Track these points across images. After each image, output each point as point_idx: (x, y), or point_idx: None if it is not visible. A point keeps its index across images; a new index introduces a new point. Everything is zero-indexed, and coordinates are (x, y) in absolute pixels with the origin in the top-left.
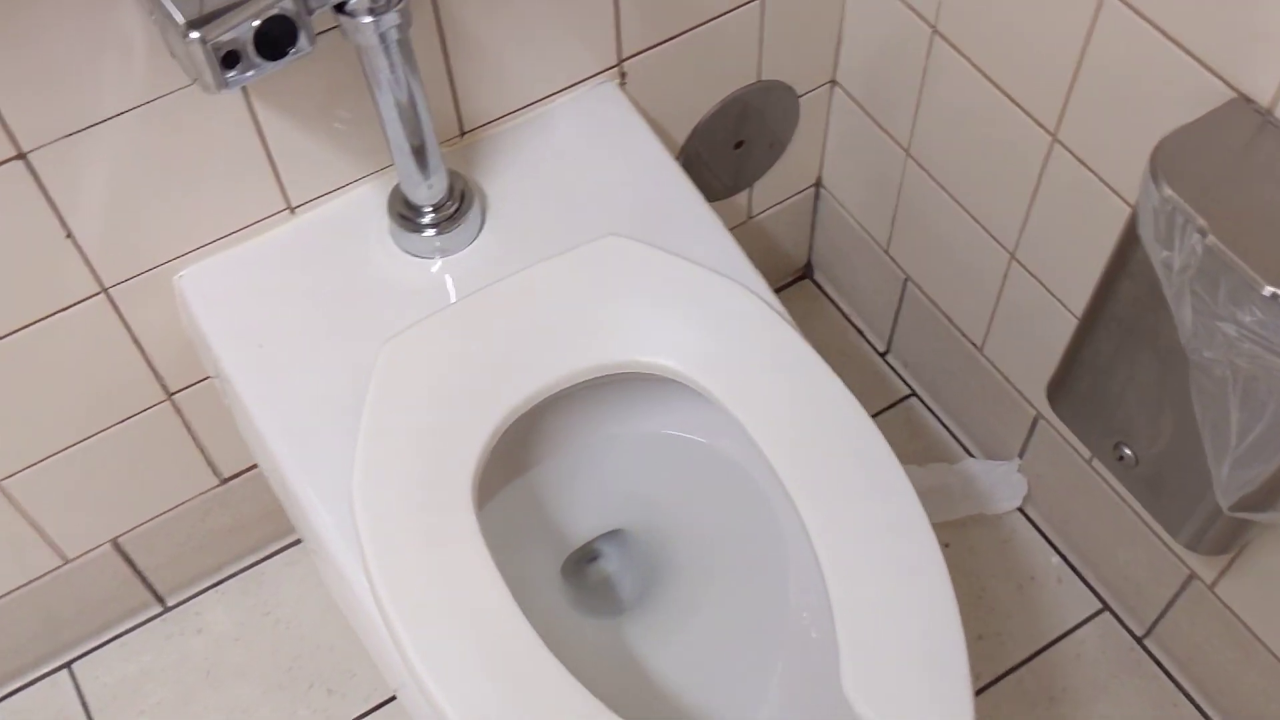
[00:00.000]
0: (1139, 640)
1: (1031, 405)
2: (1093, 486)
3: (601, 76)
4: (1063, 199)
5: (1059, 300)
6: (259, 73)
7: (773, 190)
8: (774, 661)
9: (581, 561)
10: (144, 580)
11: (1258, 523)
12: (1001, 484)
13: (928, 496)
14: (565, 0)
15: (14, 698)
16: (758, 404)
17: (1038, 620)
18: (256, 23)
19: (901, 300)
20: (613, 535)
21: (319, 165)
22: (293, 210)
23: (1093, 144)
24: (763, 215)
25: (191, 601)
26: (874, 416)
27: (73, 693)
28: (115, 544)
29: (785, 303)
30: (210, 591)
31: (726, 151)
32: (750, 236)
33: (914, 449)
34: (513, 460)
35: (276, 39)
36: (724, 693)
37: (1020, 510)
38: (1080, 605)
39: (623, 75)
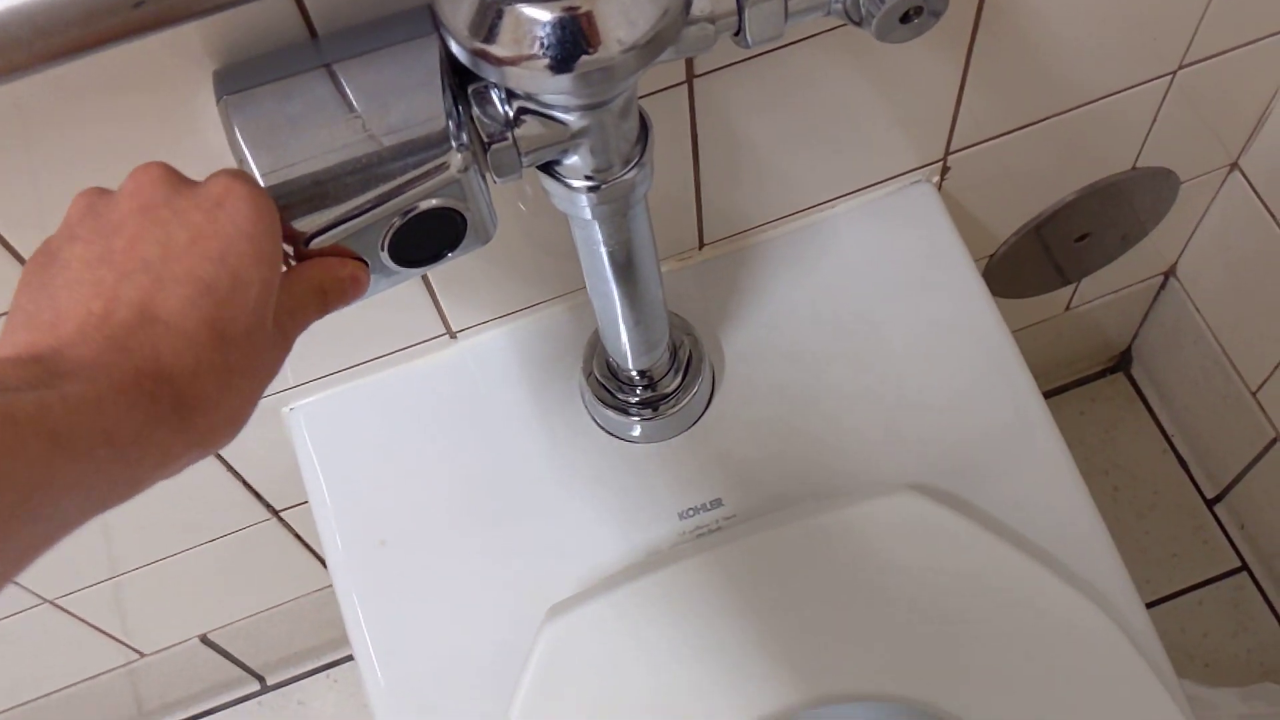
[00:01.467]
0: None
1: None
2: None
3: (916, 174)
4: None
5: None
6: (396, 281)
7: (1108, 280)
8: None
9: None
10: (237, 662)
11: None
12: None
13: None
14: (887, 89)
15: None
16: None
17: None
18: (396, 222)
19: (1260, 458)
20: None
21: (491, 276)
22: (453, 335)
23: None
24: (1086, 307)
25: (294, 684)
26: (1188, 591)
27: None
28: (203, 638)
29: (1091, 399)
30: (319, 675)
31: (1064, 246)
32: (1062, 326)
33: (1235, 648)
34: None
35: (428, 234)
36: None
37: None
38: None
39: (945, 170)
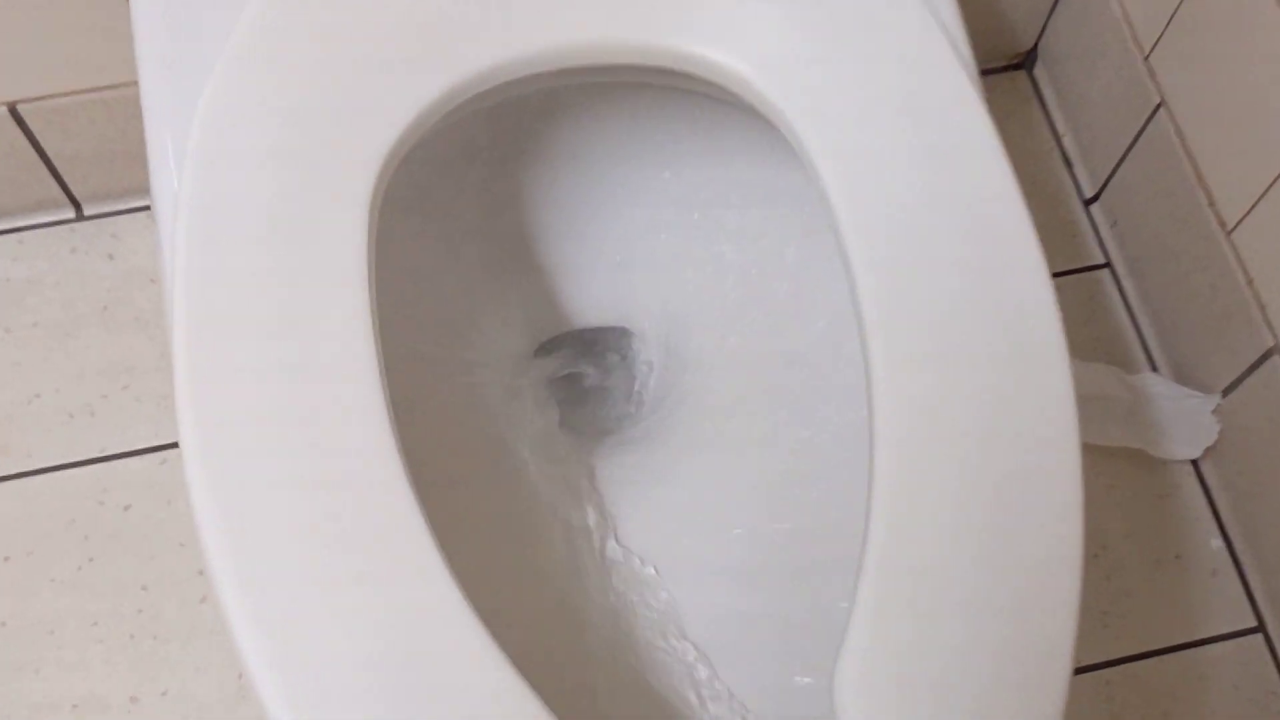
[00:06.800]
0: None
1: (1273, 332)
2: None
3: None
4: None
5: None
6: None
7: None
8: (769, 580)
9: (563, 352)
10: (54, 172)
11: None
12: (1186, 421)
13: (1082, 404)
14: None
15: None
16: (861, 170)
17: (1163, 613)
18: None
19: (1142, 132)
20: (618, 331)
21: None
22: None
23: None
24: None
25: (111, 219)
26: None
27: None
28: (12, 110)
29: (991, 89)
30: (139, 213)
31: None
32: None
33: (1083, 336)
34: (503, 172)
35: None
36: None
37: (1194, 464)
38: (1229, 614)
39: None
